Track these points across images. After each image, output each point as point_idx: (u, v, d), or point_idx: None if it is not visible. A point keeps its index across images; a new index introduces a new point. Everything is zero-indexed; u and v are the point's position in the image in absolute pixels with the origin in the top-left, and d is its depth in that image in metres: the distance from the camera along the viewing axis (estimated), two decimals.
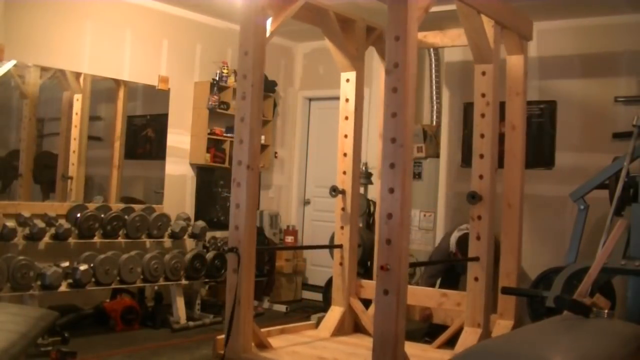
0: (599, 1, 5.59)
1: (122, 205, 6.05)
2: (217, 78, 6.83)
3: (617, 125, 5.77)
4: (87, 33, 5.91)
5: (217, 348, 4.55)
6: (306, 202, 7.84)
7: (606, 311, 3.15)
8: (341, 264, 5.34)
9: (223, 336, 4.43)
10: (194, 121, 6.80)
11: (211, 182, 7.05)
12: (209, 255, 6.11)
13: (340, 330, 5.20)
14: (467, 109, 6.64)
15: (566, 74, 6.15)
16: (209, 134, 6.75)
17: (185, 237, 6.23)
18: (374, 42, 5.62)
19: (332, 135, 7.65)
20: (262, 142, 7.30)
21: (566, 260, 5.19)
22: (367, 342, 4.93)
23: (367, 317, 5.23)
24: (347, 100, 5.41)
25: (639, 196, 4.83)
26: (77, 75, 5.95)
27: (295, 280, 7.38)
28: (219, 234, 6.91)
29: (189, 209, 6.78)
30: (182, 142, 6.74)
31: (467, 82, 6.60)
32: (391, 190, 3.76)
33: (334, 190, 5.33)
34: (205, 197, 6.98)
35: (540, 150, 6.06)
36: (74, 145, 5.97)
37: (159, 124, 6.58)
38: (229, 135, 6.96)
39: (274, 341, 4.72)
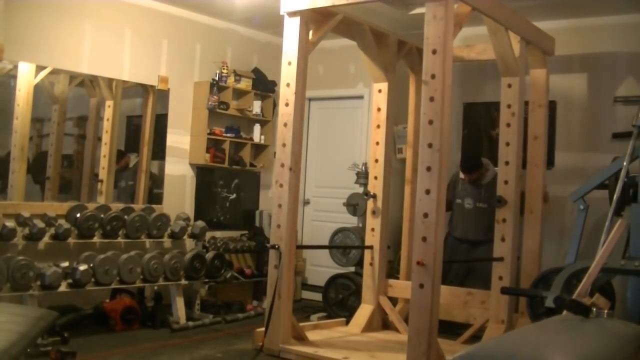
0: (599, 1, 5.59)
1: (121, 205, 6.05)
2: (217, 78, 6.83)
3: (617, 125, 5.78)
4: (86, 33, 5.91)
5: (256, 340, 4.84)
6: (306, 202, 7.83)
7: (606, 311, 3.15)
8: (371, 264, 5.62)
9: (262, 329, 4.78)
10: (193, 121, 6.80)
11: (211, 182, 7.05)
12: (209, 256, 6.11)
13: (369, 327, 5.48)
14: (467, 110, 6.64)
15: (566, 74, 6.16)
16: (208, 134, 6.74)
17: (185, 237, 6.23)
18: (405, 56, 5.84)
19: (332, 135, 7.68)
20: (262, 142, 7.36)
21: (566, 260, 5.19)
22: (396, 337, 5.31)
23: (396, 314, 5.51)
24: (379, 109, 5.64)
25: (638, 196, 4.83)
26: (110, 81, 6.09)
27: (294, 280, 7.36)
28: (218, 234, 6.91)
29: (189, 209, 6.78)
30: (181, 142, 6.74)
31: (467, 83, 6.62)
32: (427, 192, 4.09)
33: (366, 194, 5.68)
34: (205, 197, 6.98)
35: None
36: (104, 149, 6.14)
37: (158, 124, 6.58)
38: (228, 135, 6.97)
39: (308, 335, 4.98)
